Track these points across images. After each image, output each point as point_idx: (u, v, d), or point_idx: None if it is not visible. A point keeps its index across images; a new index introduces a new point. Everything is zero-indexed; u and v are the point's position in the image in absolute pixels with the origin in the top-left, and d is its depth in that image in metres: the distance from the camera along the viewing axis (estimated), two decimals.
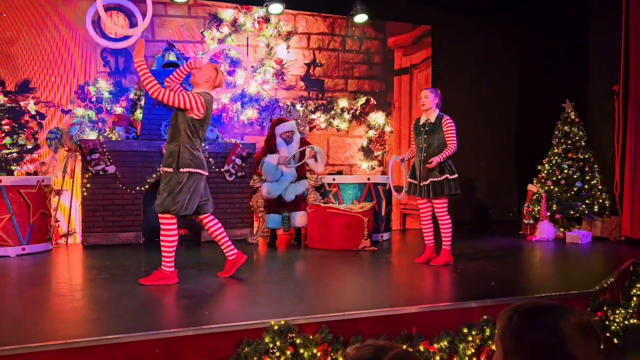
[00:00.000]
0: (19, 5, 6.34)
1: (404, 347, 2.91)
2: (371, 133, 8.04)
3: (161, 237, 4.08)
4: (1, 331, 2.79)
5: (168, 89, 4.07)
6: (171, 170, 3.97)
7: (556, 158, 7.12)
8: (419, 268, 4.93)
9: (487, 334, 3.15)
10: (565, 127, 7.15)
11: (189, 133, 3.99)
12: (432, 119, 4.80)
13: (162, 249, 4.04)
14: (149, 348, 2.61)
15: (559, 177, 7.00)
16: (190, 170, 3.96)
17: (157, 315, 3.15)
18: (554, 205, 6.88)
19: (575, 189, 6.86)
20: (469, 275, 4.36)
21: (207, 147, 6.59)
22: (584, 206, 6.80)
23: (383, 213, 6.68)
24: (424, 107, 4.83)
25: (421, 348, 2.99)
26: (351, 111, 7.89)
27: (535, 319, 1.22)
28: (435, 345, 3.05)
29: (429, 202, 4.86)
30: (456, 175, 4.75)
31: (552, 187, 7.00)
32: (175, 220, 4.05)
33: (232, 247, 4.28)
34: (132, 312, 3.21)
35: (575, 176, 6.91)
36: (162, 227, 4.06)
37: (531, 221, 7.09)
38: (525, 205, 7.32)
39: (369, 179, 6.59)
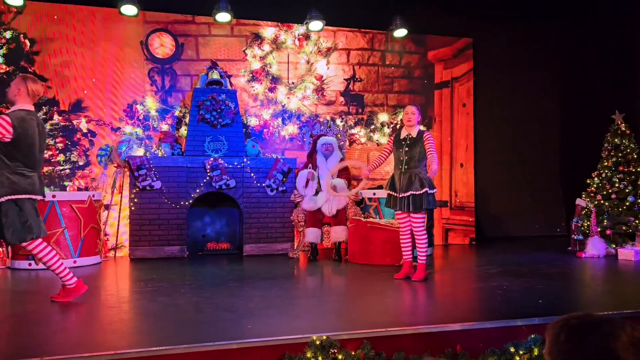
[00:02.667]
0: (74, 30, 6.66)
1: None
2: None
3: (41, 262, 3.85)
4: (55, 341, 2.90)
5: None
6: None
7: (606, 171, 6.88)
8: (462, 284, 4.84)
9: (535, 353, 3.05)
10: (616, 139, 6.91)
11: (3, 157, 3.67)
12: (414, 134, 4.88)
13: (51, 269, 3.84)
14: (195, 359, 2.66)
15: (610, 191, 6.75)
16: (11, 197, 3.63)
17: (201, 327, 3.20)
18: (605, 221, 6.63)
19: (627, 204, 6.60)
20: (514, 292, 4.25)
21: (248, 162, 6.71)
22: (637, 221, 6.52)
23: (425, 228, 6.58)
24: (410, 122, 4.92)
25: None
26: (391, 125, 7.87)
27: (585, 335, 1.18)
28: None
29: (408, 215, 4.85)
30: (435, 190, 4.81)
31: (602, 201, 6.75)
32: (40, 239, 3.80)
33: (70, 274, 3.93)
34: (177, 324, 3.27)
35: (627, 190, 6.65)
36: (34, 254, 3.84)
37: (580, 237, 6.85)
38: (574, 220, 7.08)
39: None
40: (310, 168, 6.48)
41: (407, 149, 4.83)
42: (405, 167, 4.81)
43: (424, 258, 4.85)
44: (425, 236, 4.85)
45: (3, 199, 3.64)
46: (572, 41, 8.66)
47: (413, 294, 4.39)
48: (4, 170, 3.68)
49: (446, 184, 8.16)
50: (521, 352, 3.05)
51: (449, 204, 8.14)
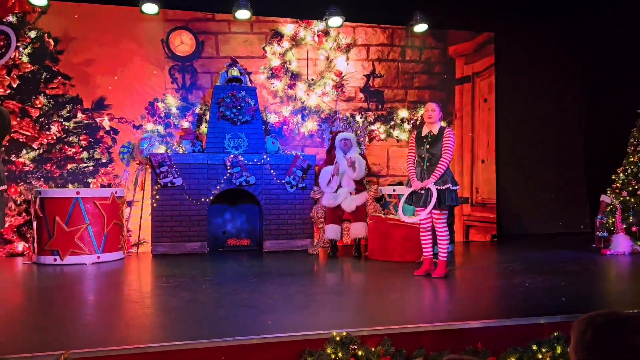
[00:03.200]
0: (96, 28, 6.76)
1: None
2: None
3: None
4: (79, 334, 2.96)
5: None
6: None
7: (632, 167, 6.73)
8: (484, 281, 4.79)
9: (559, 351, 3.01)
10: None
11: None
12: (435, 131, 4.83)
13: None
14: (215, 355, 2.68)
15: (636, 187, 6.60)
16: None
17: (222, 323, 3.23)
18: (630, 217, 6.49)
19: None
20: (537, 290, 4.19)
21: (268, 158, 6.74)
22: None
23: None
24: (430, 119, 4.85)
25: None
26: (411, 121, 7.82)
27: (610, 333, 1.16)
28: None
29: (430, 212, 4.81)
30: (458, 187, 4.77)
31: (627, 197, 6.61)
32: None
33: None
34: (199, 319, 3.31)
35: None
36: None
37: (605, 234, 6.71)
38: (598, 217, 6.94)
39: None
40: (329, 164, 6.47)
41: (428, 146, 4.79)
42: (427, 164, 4.77)
43: (445, 255, 4.81)
44: (447, 233, 4.82)
45: None
46: (595, 34, 8.48)
47: (434, 290, 4.37)
48: None
49: (467, 180, 8.08)
50: (544, 350, 3.01)
51: (470, 201, 8.06)
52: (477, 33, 8.14)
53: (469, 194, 8.06)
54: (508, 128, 8.32)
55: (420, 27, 7.61)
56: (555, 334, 3.09)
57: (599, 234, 6.82)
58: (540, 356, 2.99)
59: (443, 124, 4.99)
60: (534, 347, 3.01)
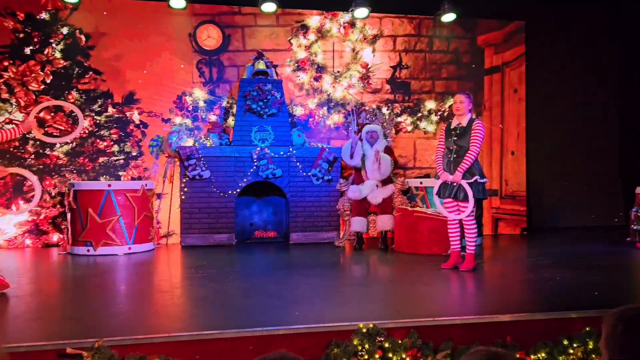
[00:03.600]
0: (126, 23, 6.87)
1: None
2: None
3: None
4: (112, 323, 3.03)
5: None
6: None
7: None
8: (513, 275, 4.73)
9: (590, 347, 2.95)
10: None
11: None
12: (464, 123, 4.74)
13: None
14: (243, 344, 2.72)
15: None
16: None
17: (250, 313, 3.27)
18: None
19: None
20: (568, 284, 4.11)
21: (294, 151, 6.76)
22: None
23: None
24: (459, 111, 4.77)
25: (517, 356, 2.86)
26: (439, 113, 7.73)
27: None
28: (532, 356, 2.91)
29: (457, 204, 4.74)
30: (486, 180, 4.69)
31: None
32: None
33: None
34: (227, 309, 3.36)
35: None
36: None
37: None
38: (633, 210, 6.76)
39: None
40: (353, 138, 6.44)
41: (455, 138, 4.73)
42: (455, 156, 4.72)
43: (473, 248, 4.76)
44: (475, 226, 4.77)
45: None
46: (631, 23, 8.21)
47: (461, 284, 4.33)
48: None
49: (496, 172, 7.95)
50: (575, 345, 2.96)
51: (499, 193, 7.94)
52: (507, 22, 7.97)
53: (498, 186, 7.94)
54: (539, 119, 8.14)
55: (448, 17, 7.50)
56: (587, 329, 3.04)
57: (634, 227, 6.64)
58: (571, 351, 2.94)
59: (474, 116, 4.90)
60: (565, 342, 2.97)
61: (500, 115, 7.99)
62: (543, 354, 2.91)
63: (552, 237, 7.26)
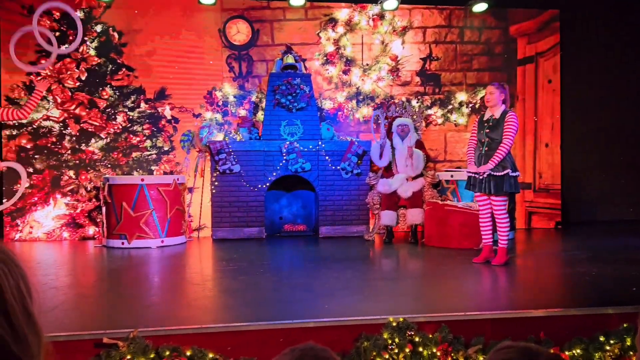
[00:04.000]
0: (157, 20, 6.97)
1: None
2: None
3: None
4: (146, 314, 3.11)
5: None
6: None
7: None
8: (547, 269, 4.64)
9: (628, 343, 2.87)
10: None
11: None
12: (497, 115, 4.64)
13: None
14: (274, 336, 2.75)
15: None
16: None
17: (280, 306, 3.30)
18: None
19: None
20: (605, 279, 4.00)
21: (323, 145, 6.76)
22: None
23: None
24: (489, 103, 4.69)
25: (552, 352, 2.81)
26: (470, 105, 7.60)
27: None
28: (567, 353, 2.85)
29: (488, 198, 4.65)
30: (518, 174, 4.58)
31: None
32: None
33: None
34: (258, 302, 3.40)
35: None
36: None
37: None
38: None
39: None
40: (381, 139, 6.41)
41: (487, 130, 4.65)
42: (486, 148, 4.64)
43: (506, 242, 4.68)
44: (507, 219, 4.68)
45: None
46: None
47: (494, 278, 4.26)
48: None
49: (529, 165, 7.78)
50: (612, 342, 2.88)
51: (532, 186, 7.78)
52: (540, 10, 7.77)
53: (532, 179, 7.77)
54: (574, 110, 7.92)
55: (480, 7, 7.35)
56: (625, 325, 2.96)
57: None
58: (608, 348, 2.87)
59: (507, 107, 4.78)
60: (601, 338, 2.90)
61: (533, 106, 7.80)
62: (578, 351, 2.85)
63: (588, 231, 7.07)
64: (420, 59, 7.55)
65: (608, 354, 2.87)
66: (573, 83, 7.90)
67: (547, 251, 5.78)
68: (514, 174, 4.56)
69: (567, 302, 3.43)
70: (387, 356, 2.72)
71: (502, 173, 4.52)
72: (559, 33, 7.77)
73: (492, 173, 4.55)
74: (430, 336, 2.81)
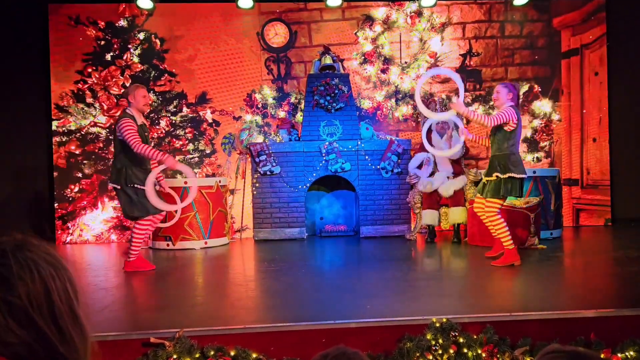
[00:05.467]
0: (197, 26, 7.12)
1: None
2: (536, 122, 7.48)
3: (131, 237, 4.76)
4: (191, 314, 3.17)
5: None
6: None
7: None
8: (597, 269, 4.47)
9: None
10: None
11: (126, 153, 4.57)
12: None
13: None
14: (316, 336, 2.76)
15: None
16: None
17: (322, 306, 3.31)
18: None
19: None
20: None
21: (363, 144, 6.74)
22: None
23: (552, 208, 6.17)
24: (496, 103, 4.61)
25: (602, 356, 2.71)
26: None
27: None
28: (620, 355, 2.74)
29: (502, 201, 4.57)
30: (523, 175, 4.39)
31: None
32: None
33: None
34: (300, 302, 3.42)
35: None
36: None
37: None
38: None
39: (534, 172, 6.14)
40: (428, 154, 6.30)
41: (488, 131, 4.62)
42: (490, 151, 4.63)
43: (510, 242, 4.47)
44: (499, 224, 4.51)
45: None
46: None
47: (540, 277, 4.15)
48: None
49: (576, 161, 7.53)
50: None
51: (580, 182, 7.52)
52: (585, 1, 7.51)
53: (579, 175, 7.52)
54: (623, 102, 7.60)
55: (521, 0, 7.16)
56: None
57: None
58: None
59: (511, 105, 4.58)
60: None
61: (579, 100, 7.55)
62: (632, 352, 2.74)
63: (639, 229, 6.78)
64: (460, 55, 7.43)
65: None
66: (621, 75, 7.59)
67: (596, 249, 5.58)
68: (503, 176, 4.38)
69: (618, 302, 3.29)
70: (430, 357, 2.69)
71: (504, 177, 4.39)
72: (605, 23, 7.49)
73: (494, 175, 4.44)
74: (475, 337, 2.75)
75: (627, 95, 7.60)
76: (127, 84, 7.02)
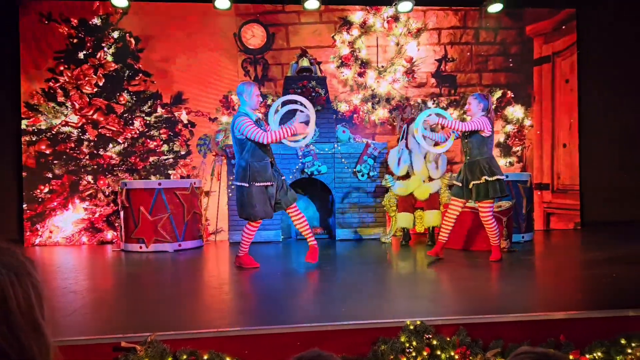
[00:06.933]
0: (173, 25, 7.04)
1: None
2: (509, 128, 7.62)
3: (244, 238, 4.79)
4: (165, 318, 3.13)
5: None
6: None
7: None
8: (566, 271, 4.57)
9: None
10: None
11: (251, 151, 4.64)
12: None
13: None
14: (291, 340, 2.75)
15: None
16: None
17: (297, 309, 3.30)
18: None
19: None
20: (626, 281, 3.94)
21: (339, 147, 6.76)
22: None
23: (524, 212, 6.28)
24: (468, 113, 4.85)
25: (571, 357, 2.77)
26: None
27: None
28: (588, 356, 2.80)
29: (464, 203, 4.87)
30: (502, 177, 4.68)
31: None
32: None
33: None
34: (274, 306, 3.40)
35: None
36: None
37: None
38: None
39: (507, 176, 6.22)
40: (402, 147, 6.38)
41: (466, 140, 4.77)
42: (468, 158, 4.79)
43: (497, 240, 4.82)
44: (494, 223, 4.77)
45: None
46: None
47: (512, 280, 4.22)
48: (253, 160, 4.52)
49: (547, 165, 7.69)
50: (634, 345, 2.83)
51: (550, 187, 7.68)
52: (557, 10, 7.68)
53: (550, 180, 7.68)
54: (592, 110, 7.81)
55: (495, 7, 7.29)
56: None
57: None
58: (629, 350, 2.81)
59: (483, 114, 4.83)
60: (623, 341, 2.84)
61: (550, 106, 7.71)
62: (599, 354, 2.80)
63: (608, 232, 6.96)
64: (436, 60, 7.52)
65: (629, 357, 2.81)
66: (591, 82, 7.80)
67: (566, 252, 5.70)
68: (495, 178, 4.62)
69: (587, 304, 3.37)
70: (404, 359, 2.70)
71: (485, 180, 4.61)
72: (576, 32, 7.68)
73: (475, 182, 4.66)
74: (448, 339, 2.78)
75: (596, 102, 7.81)
76: (101, 83, 6.90)
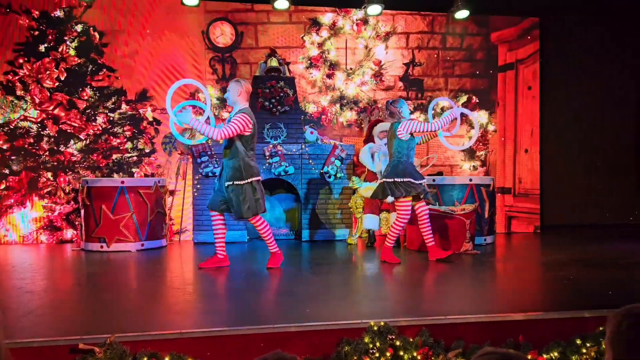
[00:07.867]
0: (139, 20, 6.91)
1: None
2: (473, 132, 7.76)
3: (260, 234, 4.79)
4: (124, 319, 3.06)
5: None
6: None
7: None
8: (526, 274, 4.69)
9: (604, 346, 2.91)
10: None
11: (242, 147, 4.67)
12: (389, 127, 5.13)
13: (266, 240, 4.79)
14: (254, 341, 2.73)
15: None
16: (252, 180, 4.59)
17: (262, 310, 3.28)
18: None
19: None
20: (582, 283, 4.07)
21: (307, 148, 6.75)
22: None
23: (486, 215, 6.41)
24: (400, 117, 5.12)
25: (529, 357, 2.84)
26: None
27: None
28: (545, 356, 2.88)
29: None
30: (403, 179, 4.88)
31: None
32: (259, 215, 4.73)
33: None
34: (239, 306, 3.37)
35: None
36: (256, 227, 4.75)
37: None
38: None
39: (471, 180, 6.37)
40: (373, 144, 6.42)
41: (389, 143, 5.12)
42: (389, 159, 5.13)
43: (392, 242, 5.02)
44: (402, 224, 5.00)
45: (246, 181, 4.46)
46: None
47: (474, 282, 4.30)
48: (242, 157, 4.50)
49: (509, 170, 7.88)
50: (588, 345, 2.92)
51: (512, 191, 7.87)
52: (521, 18, 7.89)
53: (511, 184, 7.87)
54: (553, 116, 8.05)
55: (462, 14, 7.42)
56: (601, 328, 3.00)
57: None
58: (584, 350, 2.90)
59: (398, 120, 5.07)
60: (578, 342, 2.93)
61: (513, 112, 7.91)
62: (556, 354, 2.88)
63: (567, 235, 7.18)
64: (404, 64, 7.61)
65: (585, 356, 2.90)
66: (552, 90, 8.04)
67: (526, 255, 5.85)
68: (390, 180, 4.89)
69: (545, 305, 3.47)
70: None
71: (389, 180, 4.91)
72: (539, 40, 7.90)
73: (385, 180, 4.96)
74: (411, 340, 2.81)
75: (557, 109, 8.06)
76: (62, 78, 6.70)
